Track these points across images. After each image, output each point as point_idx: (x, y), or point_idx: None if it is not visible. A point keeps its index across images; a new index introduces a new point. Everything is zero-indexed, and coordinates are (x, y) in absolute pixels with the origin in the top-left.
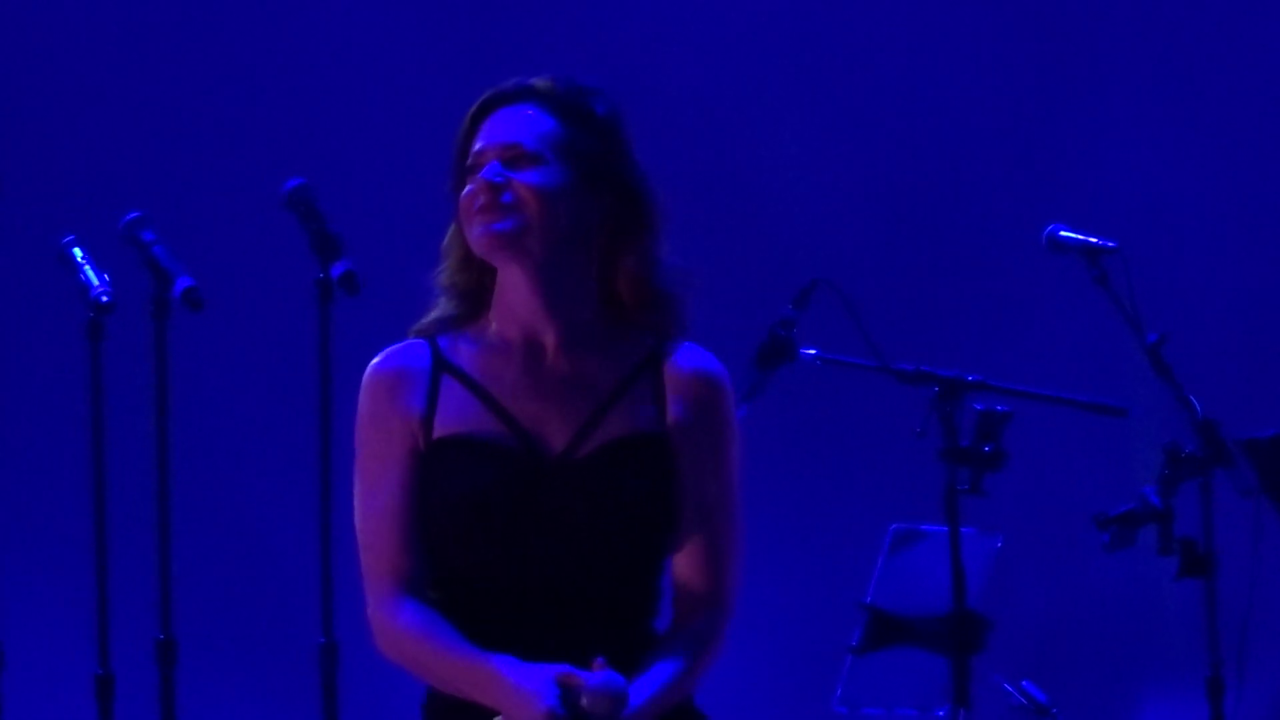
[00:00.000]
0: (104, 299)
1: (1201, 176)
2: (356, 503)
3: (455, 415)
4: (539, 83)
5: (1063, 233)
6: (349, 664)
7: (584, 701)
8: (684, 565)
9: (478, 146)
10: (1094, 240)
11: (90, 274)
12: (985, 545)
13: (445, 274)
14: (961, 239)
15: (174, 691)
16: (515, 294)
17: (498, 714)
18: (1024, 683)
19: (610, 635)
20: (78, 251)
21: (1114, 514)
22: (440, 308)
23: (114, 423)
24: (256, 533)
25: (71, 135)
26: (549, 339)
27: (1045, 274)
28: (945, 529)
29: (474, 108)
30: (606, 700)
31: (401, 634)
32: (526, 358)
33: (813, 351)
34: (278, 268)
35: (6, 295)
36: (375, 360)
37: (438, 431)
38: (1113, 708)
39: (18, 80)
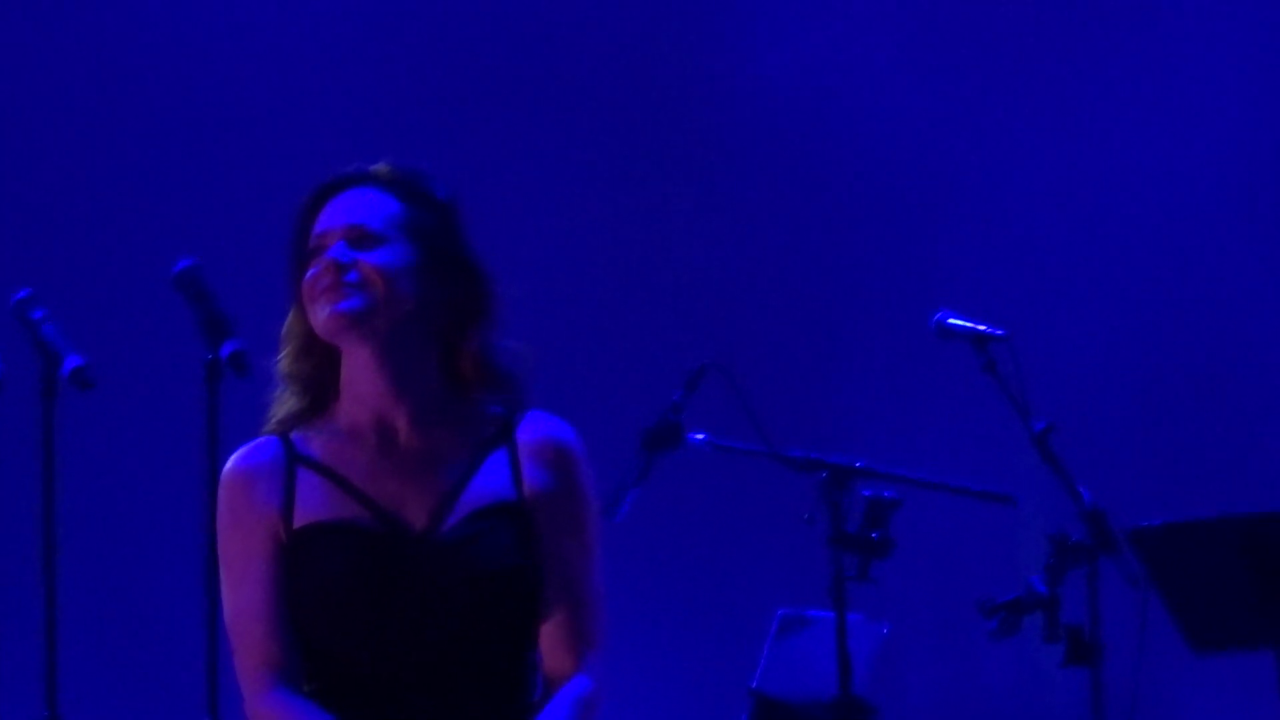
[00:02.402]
0: None
1: (1091, 263)
2: (224, 602)
3: (313, 504)
4: (378, 168)
5: (951, 320)
6: None
7: None
8: (550, 633)
9: (320, 229)
10: (982, 328)
11: None
12: (872, 631)
13: (287, 361)
14: (851, 324)
15: None
16: (362, 376)
17: None
18: None
19: (486, 709)
20: None
21: (1001, 601)
22: (285, 401)
23: (0, 501)
24: (142, 614)
25: None
26: (399, 419)
27: (934, 361)
28: (832, 615)
29: (312, 192)
30: None
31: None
32: (379, 439)
33: (701, 436)
34: (167, 347)
35: None
36: (228, 462)
37: (298, 522)
38: None
39: None
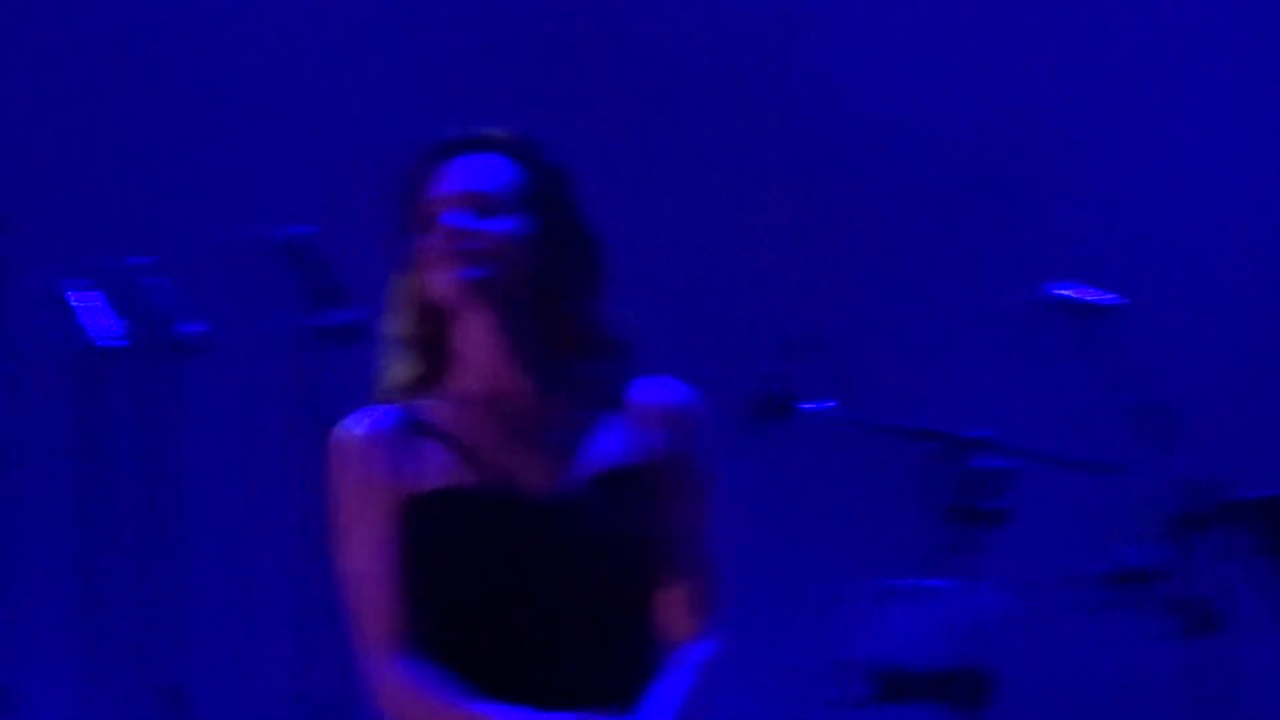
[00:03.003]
0: (101, 343)
1: (1200, 231)
2: (343, 570)
3: (432, 472)
4: (492, 132)
5: (1058, 290)
6: (349, 714)
7: None
8: (669, 599)
9: (439, 193)
10: (1090, 298)
11: (88, 319)
12: (982, 602)
13: (398, 327)
14: (959, 294)
15: None
16: (479, 342)
17: None
18: None
19: (608, 674)
20: (75, 296)
21: (1110, 572)
22: (396, 367)
23: (109, 467)
24: (248, 582)
25: (76, 179)
26: (515, 385)
27: (1042, 330)
28: (942, 585)
29: (427, 154)
30: None
31: (403, 693)
32: (495, 406)
33: (810, 407)
34: (278, 314)
35: (6, 338)
36: (342, 427)
37: (416, 490)
38: None
39: (23, 123)
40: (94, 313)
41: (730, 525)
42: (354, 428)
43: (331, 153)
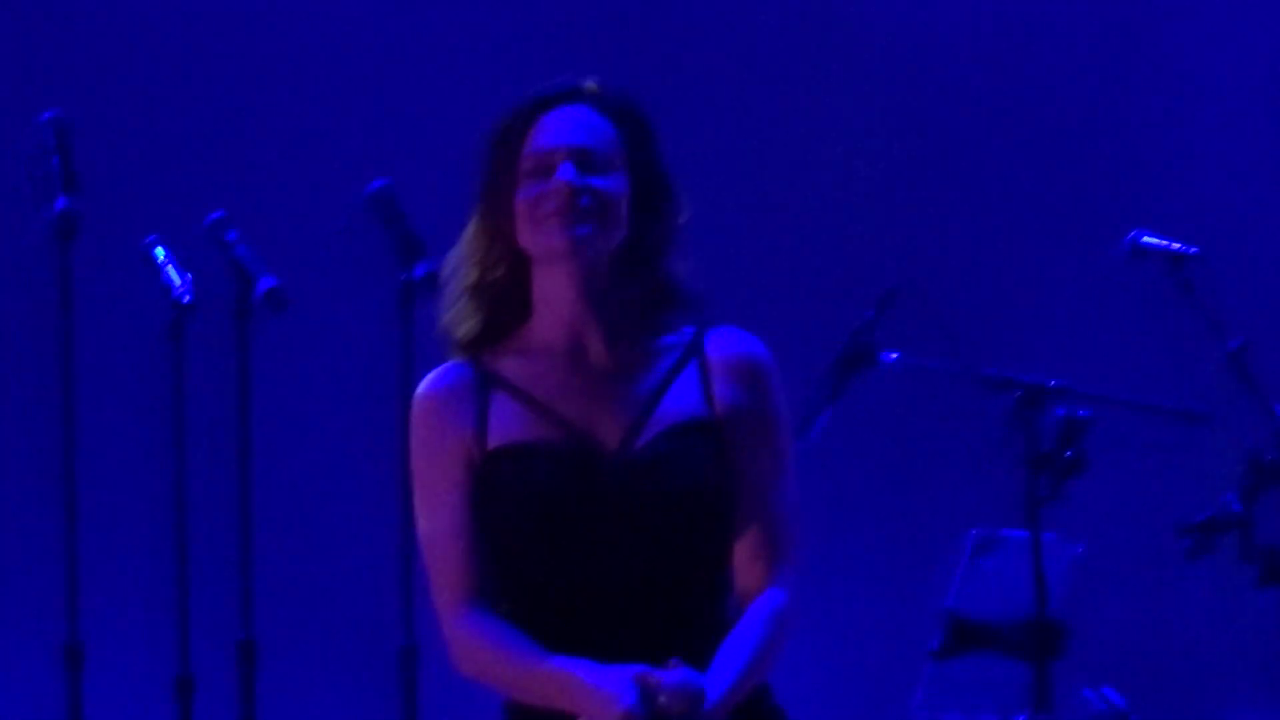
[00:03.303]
0: (186, 299)
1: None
2: (419, 525)
3: (507, 425)
4: (589, 85)
5: (1145, 239)
6: (429, 667)
7: (662, 700)
8: (744, 550)
9: (543, 146)
10: (1176, 246)
11: (173, 274)
12: (1066, 551)
13: (476, 278)
14: (1044, 243)
15: (254, 693)
16: (562, 296)
17: (577, 718)
18: (1104, 689)
19: (682, 627)
20: (160, 252)
21: (1194, 522)
22: (469, 319)
23: (195, 423)
24: (337, 534)
25: (155, 135)
26: (592, 338)
27: (1128, 279)
28: (1026, 535)
29: (524, 104)
30: (684, 698)
31: (476, 647)
32: (571, 358)
33: (894, 356)
34: (361, 269)
35: (91, 295)
36: (421, 385)
37: (491, 443)
38: (1194, 716)
39: (103, 81)
40: (177, 269)
41: (815, 475)
42: (430, 386)
43: (409, 107)
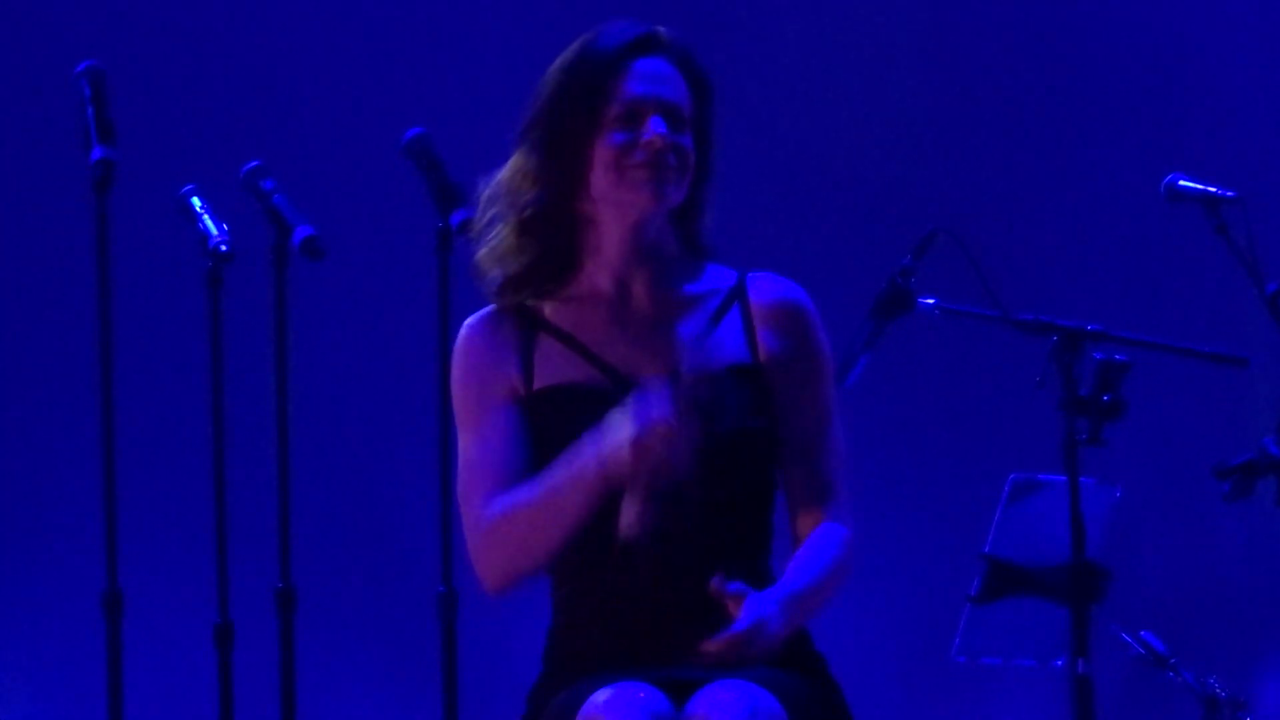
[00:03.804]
0: (223, 248)
1: None
2: (460, 458)
3: (552, 367)
4: (665, 34)
5: (1182, 182)
6: (468, 613)
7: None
8: (798, 492)
9: (636, 94)
10: (1214, 190)
11: (209, 223)
12: (1104, 495)
13: (534, 213)
14: (1081, 187)
15: (293, 640)
16: (616, 244)
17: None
18: (1143, 633)
19: (724, 571)
20: (196, 201)
21: (1233, 464)
22: (521, 254)
23: (233, 371)
24: (376, 481)
25: (192, 85)
26: (638, 284)
27: (1166, 223)
28: (1064, 479)
29: (612, 47)
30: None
31: (492, 521)
32: (615, 303)
33: (931, 301)
34: (398, 216)
35: (128, 245)
36: (468, 322)
37: (537, 384)
38: (1233, 659)
39: (138, 31)
40: (213, 219)
41: (854, 420)
42: (475, 323)
43: (445, 53)
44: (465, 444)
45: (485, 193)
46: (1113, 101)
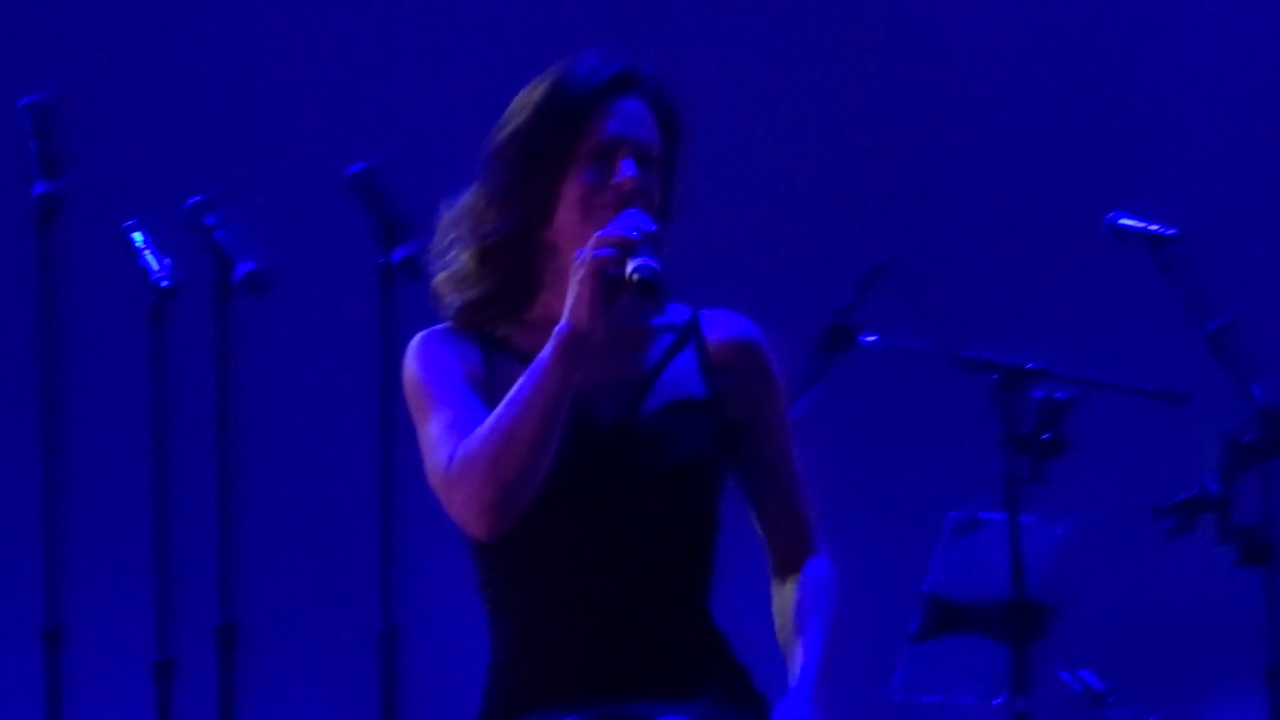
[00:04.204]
0: (165, 283)
1: (1265, 161)
2: (424, 444)
3: (508, 389)
4: (642, 72)
5: (1124, 220)
6: (409, 650)
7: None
8: (771, 529)
9: (611, 134)
10: (1155, 228)
11: (151, 258)
12: (1045, 533)
13: (497, 241)
14: (1024, 225)
15: (234, 676)
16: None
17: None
18: (1082, 671)
19: (666, 605)
20: (139, 236)
21: (1174, 502)
22: (482, 281)
23: (176, 406)
24: (318, 518)
25: (136, 119)
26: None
27: (1107, 260)
28: (1005, 517)
29: (592, 84)
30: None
31: (464, 452)
32: None
33: (874, 338)
34: (341, 252)
35: (71, 279)
36: (425, 332)
37: (492, 406)
38: (1173, 697)
39: (83, 63)
40: (156, 253)
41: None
42: (436, 332)
43: (390, 88)
44: (428, 423)
45: (447, 216)
46: (1055, 139)
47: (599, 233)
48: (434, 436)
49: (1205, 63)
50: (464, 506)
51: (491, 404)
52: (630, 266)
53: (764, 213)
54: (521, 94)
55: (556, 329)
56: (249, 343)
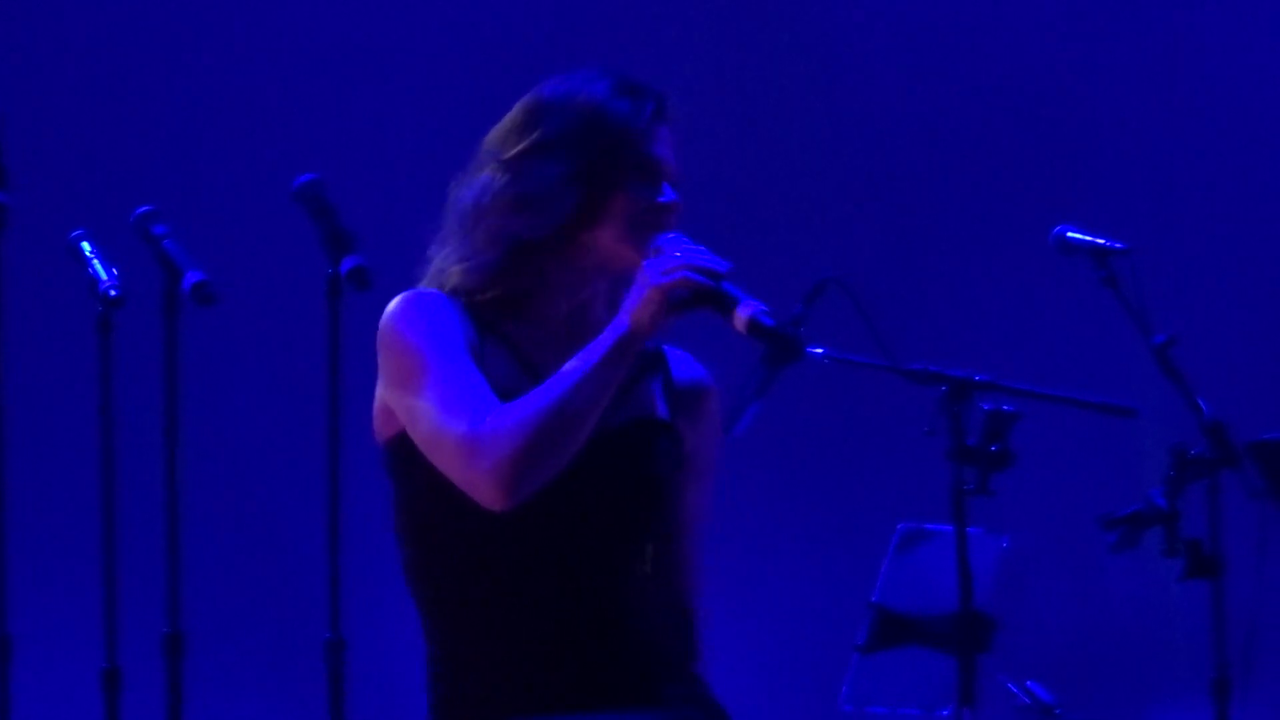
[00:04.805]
0: (113, 293)
1: (1213, 176)
2: (427, 401)
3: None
4: (674, 104)
5: (1071, 234)
6: (356, 660)
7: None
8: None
9: (662, 157)
10: (1102, 241)
11: (99, 268)
12: (992, 545)
13: (519, 231)
14: (971, 238)
15: (181, 686)
16: (586, 281)
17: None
18: (1029, 683)
19: (626, 600)
20: (87, 246)
21: (1120, 515)
22: (489, 265)
23: (124, 416)
24: (265, 527)
25: (84, 130)
26: (590, 322)
27: (1054, 274)
28: (952, 529)
29: (647, 105)
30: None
31: (507, 420)
32: (564, 335)
33: (821, 350)
34: (289, 263)
35: (18, 289)
36: (411, 294)
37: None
38: (1119, 708)
39: (31, 74)
40: (104, 263)
41: (743, 469)
42: (434, 291)
43: (338, 100)
44: (428, 385)
45: (463, 203)
46: (1003, 153)
47: (689, 257)
48: (442, 399)
49: (1152, 78)
50: (489, 472)
51: None
52: (749, 312)
53: (711, 224)
54: (553, 97)
55: (613, 324)
56: (197, 353)
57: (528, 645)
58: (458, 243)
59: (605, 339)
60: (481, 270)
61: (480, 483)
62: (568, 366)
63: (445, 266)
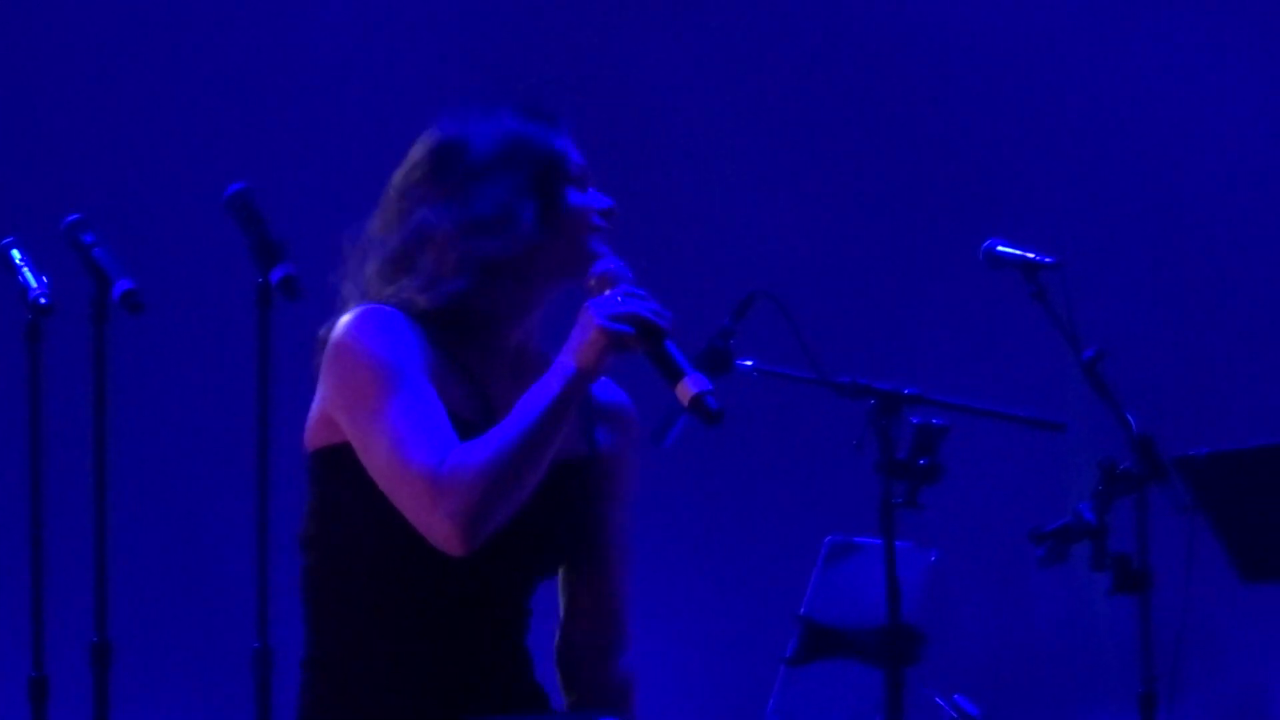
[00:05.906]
0: (42, 301)
1: (1141, 191)
2: (387, 431)
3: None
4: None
5: (1000, 248)
6: (283, 669)
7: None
8: (583, 598)
9: (579, 162)
10: (1031, 256)
11: (29, 276)
12: (921, 559)
13: (508, 261)
14: (900, 252)
15: (108, 694)
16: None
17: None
18: (956, 696)
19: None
20: (16, 254)
21: (1048, 529)
22: (466, 296)
23: (52, 424)
24: (193, 536)
25: (13, 137)
26: (532, 350)
27: (984, 287)
28: (881, 542)
29: (557, 114)
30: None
31: (465, 463)
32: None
33: (750, 363)
34: (219, 271)
35: None
36: (373, 307)
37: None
38: None
39: None
40: (33, 271)
41: (672, 482)
42: (386, 309)
43: (268, 109)
44: (391, 413)
45: (416, 233)
46: (932, 165)
47: (633, 305)
48: (403, 428)
49: (1082, 91)
50: (450, 515)
51: None
52: (698, 388)
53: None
54: (461, 133)
55: (559, 365)
56: (126, 361)
57: (406, 664)
58: (410, 274)
59: (554, 380)
60: (449, 297)
61: (440, 528)
62: (521, 408)
63: (404, 293)
